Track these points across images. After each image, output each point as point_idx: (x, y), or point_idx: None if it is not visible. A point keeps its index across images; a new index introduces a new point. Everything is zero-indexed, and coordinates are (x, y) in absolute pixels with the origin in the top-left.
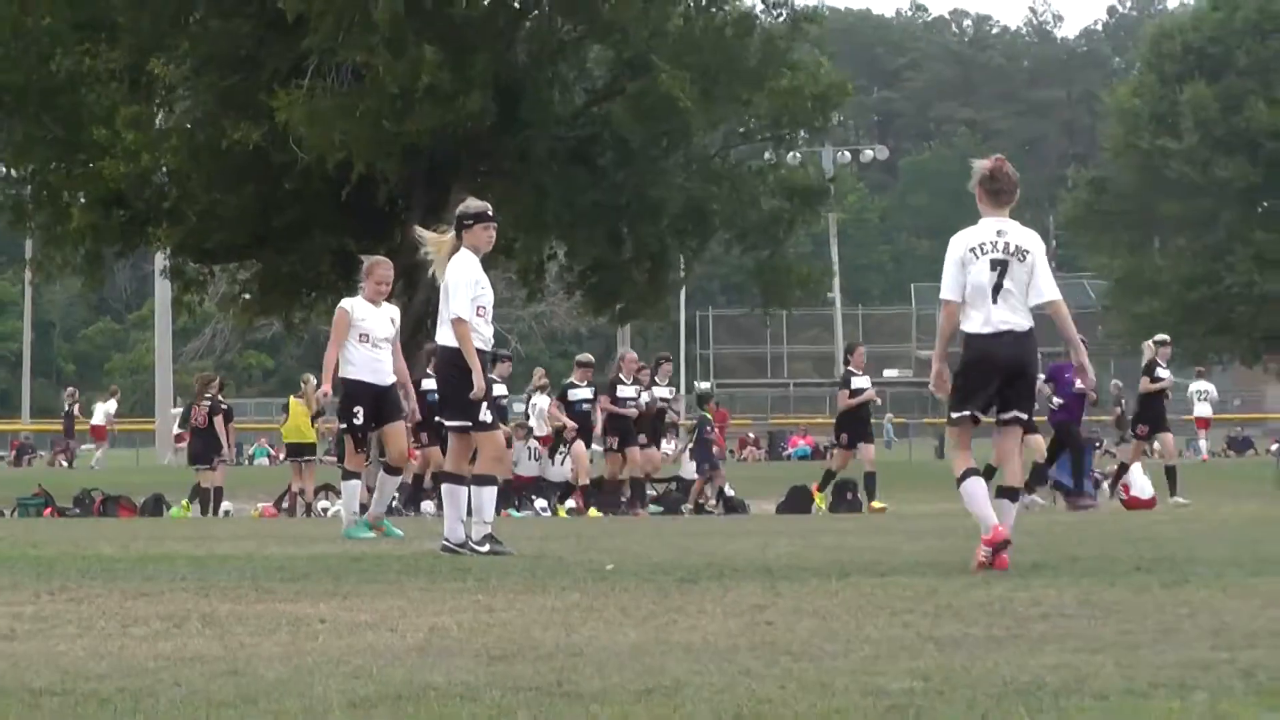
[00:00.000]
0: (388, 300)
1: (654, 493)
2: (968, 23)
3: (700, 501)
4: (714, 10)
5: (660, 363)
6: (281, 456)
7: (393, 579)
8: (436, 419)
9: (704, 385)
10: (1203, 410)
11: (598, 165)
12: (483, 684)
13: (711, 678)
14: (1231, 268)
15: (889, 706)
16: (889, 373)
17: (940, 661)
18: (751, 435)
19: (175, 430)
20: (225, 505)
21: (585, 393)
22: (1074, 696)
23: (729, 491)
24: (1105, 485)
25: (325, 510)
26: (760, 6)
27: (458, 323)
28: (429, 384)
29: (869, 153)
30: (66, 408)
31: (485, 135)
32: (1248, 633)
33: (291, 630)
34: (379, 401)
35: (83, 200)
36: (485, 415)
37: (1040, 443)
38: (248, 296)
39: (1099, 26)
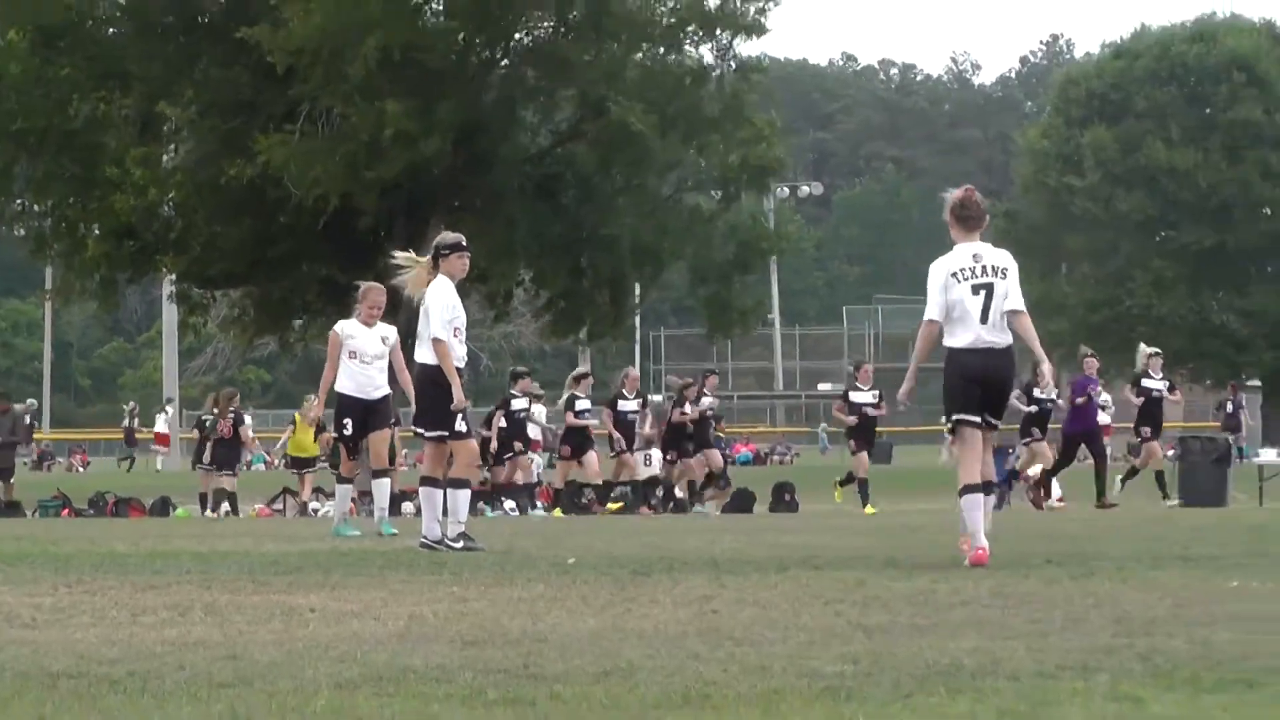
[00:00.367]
0: (383, 321)
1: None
2: (894, 71)
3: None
4: (671, 58)
5: (706, 377)
6: (276, 462)
7: (376, 572)
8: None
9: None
10: (1103, 419)
11: (561, 202)
12: (457, 667)
13: (662, 661)
14: (1131, 292)
15: (823, 688)
16: (823, 386)
17: (869, 646)
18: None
19: (158, 429)
20: (224, 506)
21: (584, 403)
22: (989, 678)
23: (678, 493)
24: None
25: (315, 511)
26: (709, 59)
27: (437, 342)
28: None
29: (805, 188)
30: (127, 421)
31: (459, 172)
32: (1146, 621)
33: (285, 619)
34: (366, 413)
35: (97, 232)
36: (460, 425)
37: (1047, 451)
38: (246, 319)
39: (1013, 74)
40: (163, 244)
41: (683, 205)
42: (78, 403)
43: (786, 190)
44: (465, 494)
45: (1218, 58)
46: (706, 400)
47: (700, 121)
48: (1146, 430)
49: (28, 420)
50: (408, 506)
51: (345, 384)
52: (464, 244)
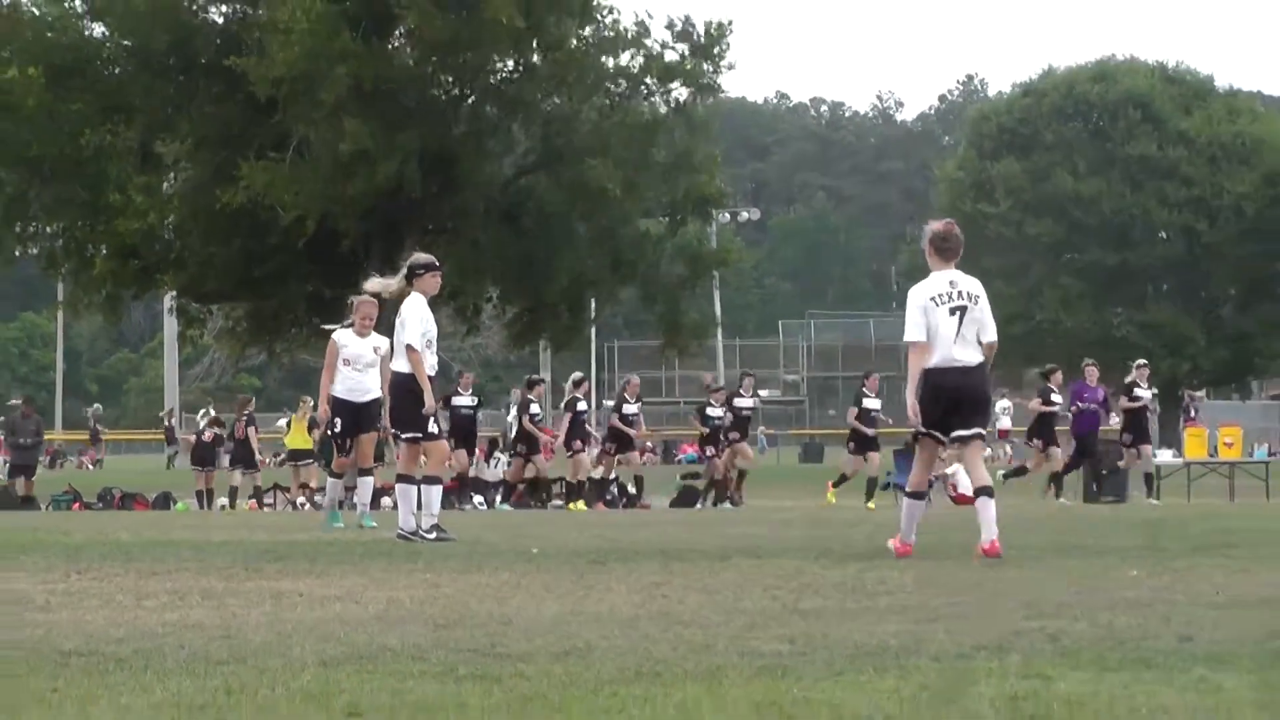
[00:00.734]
0: (377, 331)
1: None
2: (825, 107)
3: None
4: (627, 105)
5: (744, 378)
6: (268, 461)
7: (357, 561)
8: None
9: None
10: (1004, 423)
11: (524, 227)
12: (430, 646)
13: (617, 641)
14: (1042, 307)
15: (761, 665)
16: (762, 392)
17: (804, 628)
18: (649, 444)
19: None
20: (220, 500)
21: (583, 405)
22: (912, 657)
23: (631, 489)
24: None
25: (303, 505)
26: (658, 99)
27: (410, 351)
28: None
29: (745, 214)
30: (166, 423)
31: (431, 198)
32: (1056, 605)
33: (274, 602)
34: (356, 415)
35: (104, 252)
36: (433, 427)
37: (1057, 454)
38: (239, 330)
39: (932, 110)
40: (163, 263)
41: (634, 230)
42: (86, 406)
43: (728, 216)
44: (438, 489)
45: (1117, 96)
46: (744, 400)
47: (652, 170)
48: (1128, 436)
49: (91, 423)
50: (386, 501)
51: (338, 388)
52: (436, 264)
